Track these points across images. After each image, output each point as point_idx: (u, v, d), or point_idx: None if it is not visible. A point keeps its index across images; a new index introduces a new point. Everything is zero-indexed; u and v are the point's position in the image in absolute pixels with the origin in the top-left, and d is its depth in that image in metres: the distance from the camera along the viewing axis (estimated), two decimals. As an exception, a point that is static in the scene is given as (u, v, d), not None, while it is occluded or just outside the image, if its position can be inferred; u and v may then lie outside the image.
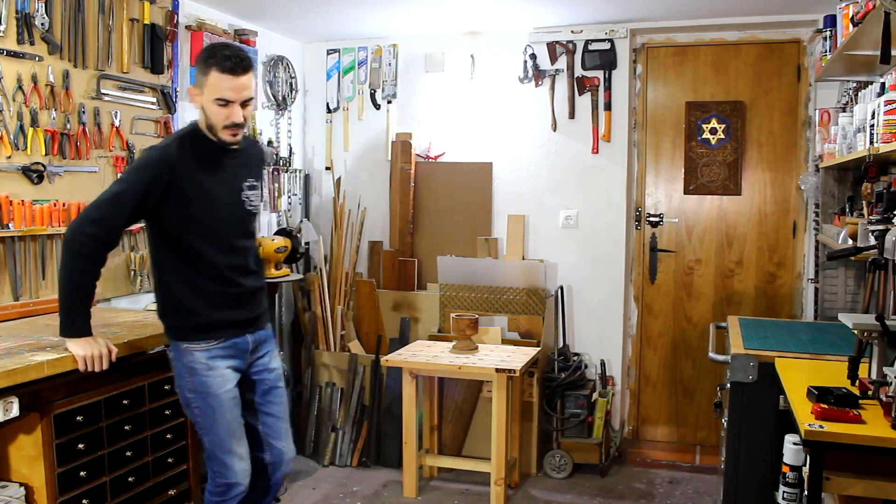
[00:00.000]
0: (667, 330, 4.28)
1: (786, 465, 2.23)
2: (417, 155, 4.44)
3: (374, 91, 4.51)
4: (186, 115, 3.67)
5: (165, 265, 2.35)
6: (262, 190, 2.57)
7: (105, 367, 2.22)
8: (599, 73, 4.14)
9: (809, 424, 1.79)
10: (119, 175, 2.32)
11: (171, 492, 2.65)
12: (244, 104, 2.29)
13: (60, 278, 2.22)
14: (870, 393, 1.95)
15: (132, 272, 3.25)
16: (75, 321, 2.22)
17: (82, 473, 2.26)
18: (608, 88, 4.13)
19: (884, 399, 1.85)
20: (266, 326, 2.56)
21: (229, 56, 2.25)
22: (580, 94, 4.18)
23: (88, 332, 2.23)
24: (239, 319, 2.42)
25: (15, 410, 2.06)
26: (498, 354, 3.58)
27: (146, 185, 2.22)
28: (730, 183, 4.12)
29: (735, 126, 4.09)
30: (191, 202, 2.28)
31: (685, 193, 4.20)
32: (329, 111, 4.61)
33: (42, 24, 2.83)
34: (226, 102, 2.25)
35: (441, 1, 3.69)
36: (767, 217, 4.10)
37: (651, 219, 4.27)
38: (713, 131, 4.12)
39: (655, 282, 4.28)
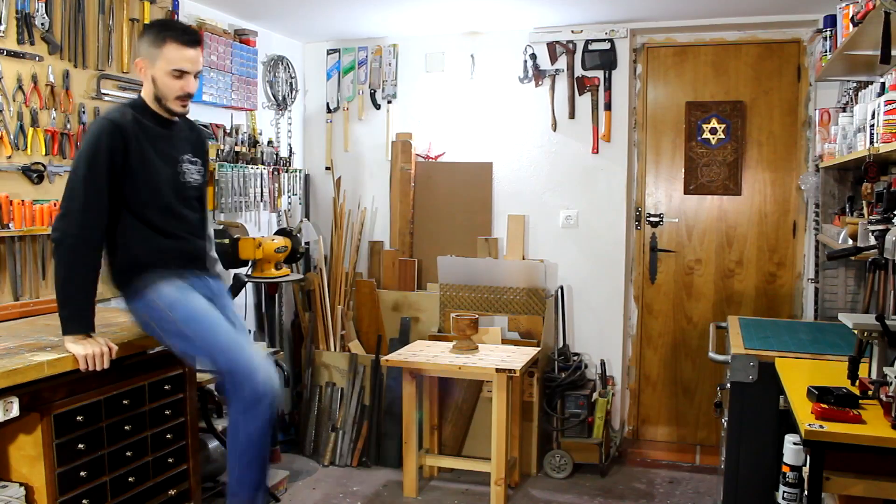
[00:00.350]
0: (667, 330, 4.28)
1: (786, 465, 2.23)
2: (417, 155, 4.44)
3: (374, 91, 4.51)
4: (186, 115, 3.67)
5: (118, 227, 2.38)
6: (203, 167, 2.63)
7: (106, 365, 2.23)
8: (599, 73, 4.14)
9: (809, 424, 1.79)
10: (77, 154, 2.33)
11: (171, 492, 2.65)
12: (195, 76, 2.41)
13: (61, 275, 2.23)
14: (870, 393, 1.95)
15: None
16: (80, 315, 2.23)
17: (82, 473, 2.26)
18: (608, 88, 4.13)
19: (884, 399, 1.85)
20: (224, 283, 2.68)
21: (185, 30, 2.40)
22: (580, 94, 4.18)
23: (93, 327, 2.24)
24: (195, 268, 2.53)
25: (15, 410, 2.06)
26: (498, 354, 3.58)
27: (107, 154, 2.27)
28: (730, 183, 4.12)
29: (735, 126, 4.09)
30: (134, 167, 2.34)
31: (685, 193, 4.20)
32: (329, 111, 4.61)
33: (42, 24, 2.83)
34: (181, 73, 2.35)
35: (441, 1, 3.69)
36: (767, 217, 4.10)
37: (651, 219, 4.27)
38: (713, 131, 4.12)
39: (655, 282, 4.28)
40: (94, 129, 2.32)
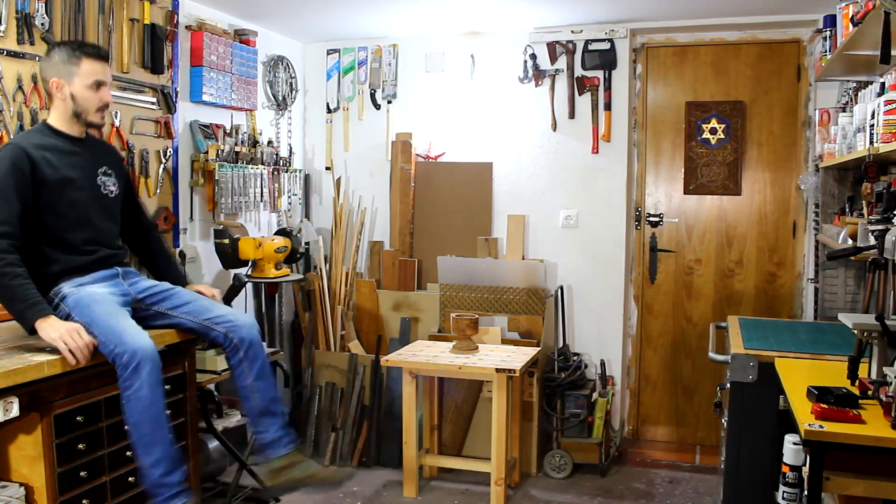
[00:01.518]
0: (667, 330, 4.28)
1: (786, 465, 2.22)
2: (417, 155, 4.44)
3: (374, 91, 4.51)
4: (187, 114, 3.67)
5: (35, 247, 2.41)
6: (118, 179, 2.67)
7: (87, 341, 2.23)
8: (599, 73, 4.14)
9: (809, 424, 1.79)
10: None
11: (172, 492, 2.65)
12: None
13: None
14: (870, 393, 1.95)
15: (132, 272, 3.24)
16: (30, 305, 2.24)
17: (82, 473, 2.26)
18: (608, 88, 4.14)
19: (884, 399, 1.85)
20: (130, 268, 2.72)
21: (94, 45, 2.57)
22: (580, 94, 4.18)
23: (48, 310, 2.27)
24: (107, 267, 2.58)
25: (15, 410, 2.06)
26: (498, 354, 3.58)
27: (12, 170, 2.31)
28: (730, 183, 4.12)
29: (735, 126, 4.09)
30: (51, 185, 2.39)
31: (685, 193, 4.20)
32: (329, 111, 4.61)
33: (42, 24, 2.83)
34: (98, 85, 2.46)
35: (441, 1, 3.69)
36: (767, 217, 4.10)
37: (651, 219, 4.27)
38: (713, 131, 4.12)
39: (655, 282, 4.28)
40: (0, 153, 2.38)
